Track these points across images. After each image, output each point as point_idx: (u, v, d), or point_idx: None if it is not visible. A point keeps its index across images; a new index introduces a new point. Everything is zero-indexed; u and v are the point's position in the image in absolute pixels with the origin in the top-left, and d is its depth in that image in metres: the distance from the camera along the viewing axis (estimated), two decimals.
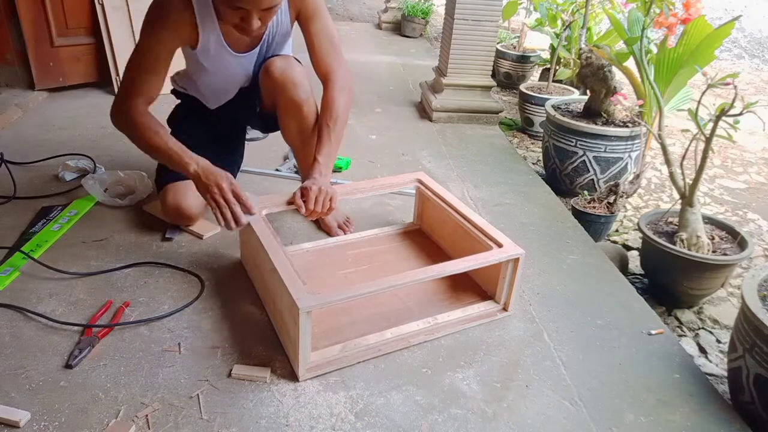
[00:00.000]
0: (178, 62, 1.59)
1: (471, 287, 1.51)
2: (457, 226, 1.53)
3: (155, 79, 1.47)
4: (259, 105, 1.76)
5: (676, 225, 1.82)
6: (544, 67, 3.80)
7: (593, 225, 2.07)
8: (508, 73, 4.03)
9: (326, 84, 1.56)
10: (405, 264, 1.60)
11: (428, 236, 1.74)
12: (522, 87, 3.18)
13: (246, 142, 1.98)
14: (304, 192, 1.44)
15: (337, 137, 1.52)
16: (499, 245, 1.38)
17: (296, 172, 2.13)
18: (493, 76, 3.03)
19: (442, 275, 1.33)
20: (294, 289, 1.15)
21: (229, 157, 1.82)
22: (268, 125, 1.87)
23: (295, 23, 1.62)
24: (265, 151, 2.31)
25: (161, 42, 1.45)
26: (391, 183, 1.70)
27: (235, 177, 1.86)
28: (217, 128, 1.79)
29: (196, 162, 1.40)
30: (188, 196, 1.64)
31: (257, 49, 1.62)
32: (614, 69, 2.33)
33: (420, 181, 1.70)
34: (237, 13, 1.34)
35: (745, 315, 1.20)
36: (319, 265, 1.58)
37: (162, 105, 1.79)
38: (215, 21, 1.49)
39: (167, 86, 1.70)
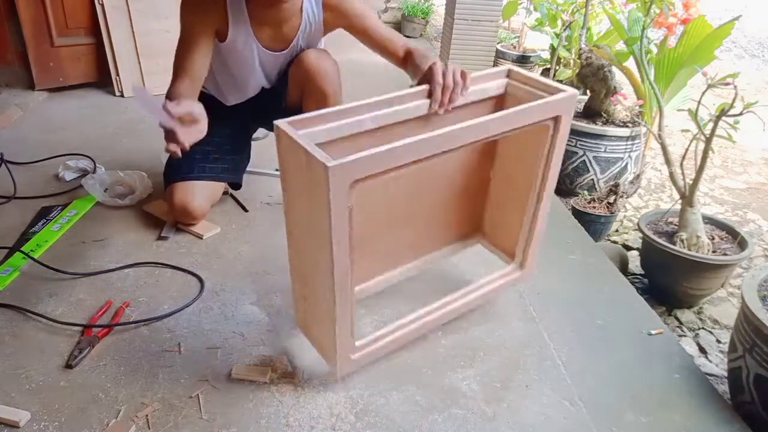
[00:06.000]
0: None
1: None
2: None
3: (196, 58, 1.49)
4: (285, 101, 1.76)
5: (676, 225, 1.82)
6: (544, 67, 3.80)
7: (593, 225, 2.07)
8: None
9: (409, 52, 1.53)
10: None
11: None
12: None
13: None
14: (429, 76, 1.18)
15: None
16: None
17: None
18: None
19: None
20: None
21: (236, 157, 1.83)
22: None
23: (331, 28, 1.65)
24: (265, 151, 2.31)
25: (196, 23, 1.50)
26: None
27: (241, 177, 1.87)
28: (229, 128, 1.79)
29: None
30: (196, 196, 1.66)
31: (288, 51, 1.64)
32: (614, 69, 2.33)
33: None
34: None
35: (745, 315, 1.20)
36: None
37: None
38: (245, 14, 1.52)
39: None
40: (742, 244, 1.74)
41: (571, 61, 3.44)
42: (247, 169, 2.08)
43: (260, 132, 2.41)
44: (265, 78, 1.71)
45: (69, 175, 1.98)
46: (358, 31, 1.61)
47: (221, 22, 1.52)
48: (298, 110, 1.73)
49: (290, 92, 1.72)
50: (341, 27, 1.63)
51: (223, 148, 1.71)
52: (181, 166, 1.70)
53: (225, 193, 1.85)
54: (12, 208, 1.79)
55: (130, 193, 1.86)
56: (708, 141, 1.65)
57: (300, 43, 1.63)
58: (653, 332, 1.41)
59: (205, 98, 1.77)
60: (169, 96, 1.45)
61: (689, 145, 1.74)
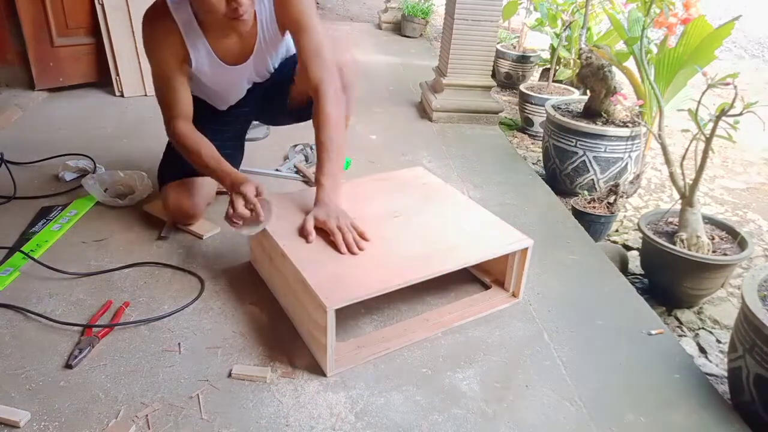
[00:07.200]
0: None
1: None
2: None
3: (179, 97, 1.53)
4: (287, 105, 1.75)
5: (676, 225, 1.82)
6: (544, 67, 3.80)
7: (593, 225, 2.07)
8: (509, 73, 4.03)
9: (316, 98, 1.49)
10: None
11: None
12: (522, 87, 3.18)
13: (246, 142, 1.98)
14: (318, 223, 1.35)
15: (337, 153, 1.45)
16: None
17: (296, 172, 2.13)
18: (493, 76, 3.03)
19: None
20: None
21: (229, 152, 1.82)
22: (298, 118, 1.87)
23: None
24: (265, 151, 2.31)
25: (162, 62, 1.49)
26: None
27: None
28: (225, 128, 1.79)
29: (230, 176, 1.47)
30: (190, 194, 1.65)
31: (250, 61, 1.61)
32: (614, 69, 2.33)
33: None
34: None
35: (745, 315, 1.20)
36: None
37: None
38: (202, 36, 1.50)
39: None
40: (742, 244, 1.74)
41: (571, 61, 3.45)
42: (248, 169, 2.09)
43: (260, 132, 2.42)
44: (245, 84, 1.70)
45: (69, 175, 1.98)
46: (291, 34, 1.53)
47: (181, 50, 1.48)
48: (300, 110, 1.72)
49: (293, 97, 1.70)
50: (282, 28, 1.56)
51: (220, 150, 1.71)
52: (172, 168, 1.70)
53: (224, 193, 1.85)
54: (12, 208, 1.79)
55: (130, 193, 1.86)
56: (708, 141, 1.64)
57: (263, 46, 1.58)
58: (653, 332, 1.41)
59: (198, 102, 1.77)
60: (176, 138, 1.52)
61: (689, 145, 1.74)
